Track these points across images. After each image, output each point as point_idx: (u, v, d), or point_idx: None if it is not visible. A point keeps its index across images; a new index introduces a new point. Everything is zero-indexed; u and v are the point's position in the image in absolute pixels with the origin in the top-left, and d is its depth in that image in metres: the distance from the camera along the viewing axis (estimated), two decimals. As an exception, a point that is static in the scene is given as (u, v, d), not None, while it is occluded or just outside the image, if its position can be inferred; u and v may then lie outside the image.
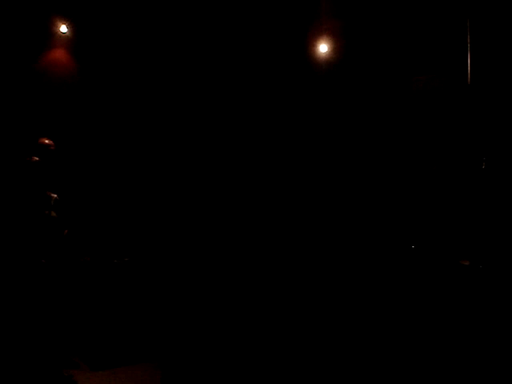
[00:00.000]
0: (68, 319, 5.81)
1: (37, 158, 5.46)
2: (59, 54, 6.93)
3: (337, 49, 7.26)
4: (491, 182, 5.82)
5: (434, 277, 5.75)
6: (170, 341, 5.92)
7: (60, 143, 6.00)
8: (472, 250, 5.76)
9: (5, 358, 4.80)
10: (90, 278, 6.06)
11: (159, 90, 7.45)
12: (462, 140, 6.29)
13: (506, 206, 5.67)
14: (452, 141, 6.40)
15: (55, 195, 5.72)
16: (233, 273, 6.62)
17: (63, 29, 6.87)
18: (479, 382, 4.67)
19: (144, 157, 7.32)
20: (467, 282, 5.47)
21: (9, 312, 4.96)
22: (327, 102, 7.38)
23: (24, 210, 5.24)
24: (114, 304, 6.03)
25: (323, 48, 7.19)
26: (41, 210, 5.45)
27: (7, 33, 6.53)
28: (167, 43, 7.41)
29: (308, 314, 6.09)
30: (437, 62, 6.75)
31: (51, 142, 5.76)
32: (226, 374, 5.15)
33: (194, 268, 6.65)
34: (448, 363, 4.94)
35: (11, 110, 6.54)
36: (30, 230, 5.22)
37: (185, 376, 5.22)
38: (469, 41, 6.43)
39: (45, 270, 5.28)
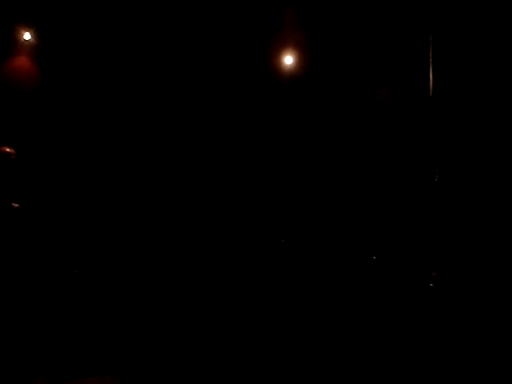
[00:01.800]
0: (28, 331, 5.70)
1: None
2: (22, 62, 6.84)
3: (302, 61, 7.33)
4: (443, 194, 5.93)
5: (396, 288, 5.79)
6: (132, 351, 5.85)
7: (22, 151, 5.90)
8: (435, 261, 5.82)
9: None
10: (50, 288, 5.96)
11: (122, 96, 7.40)
12: (421, 152, 6.38)
13: (456, 218, 5.78)
14: (412, 153, 6.49)
15: (17, 205, 5.61)
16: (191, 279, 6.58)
17: (27, 36, 6.80)
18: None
19: (107, 165, 7.25)
20: (431, 294, 5.51)
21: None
22: (291, 113, 7.43)
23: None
24: (75, 315, 5.93)
25: (288, 60, 7.26)
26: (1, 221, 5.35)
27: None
28: (130, 51, 7.38)
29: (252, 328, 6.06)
30: (400, 76, 6.86)
31: (12, 151, 5.65)
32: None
33: (154, 278, 6.60)
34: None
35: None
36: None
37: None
38: (431, 55, 6.55)
39: (4, 280, 5.18)
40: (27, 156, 6.47)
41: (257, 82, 7.50)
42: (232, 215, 7.32)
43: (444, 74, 6.47)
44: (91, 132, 7.24)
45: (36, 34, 6.93)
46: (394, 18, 6.89)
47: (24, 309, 5.55)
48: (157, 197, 7.35)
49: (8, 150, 5.63)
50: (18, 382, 5.16)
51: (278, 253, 6.90)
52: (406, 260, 6.05)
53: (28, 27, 6.81)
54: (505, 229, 5.60)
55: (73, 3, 7.08)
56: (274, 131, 7.53)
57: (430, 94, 6.44)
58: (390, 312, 5.57)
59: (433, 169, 6.04)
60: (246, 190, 7.44)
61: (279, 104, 7.51)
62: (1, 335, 5.08)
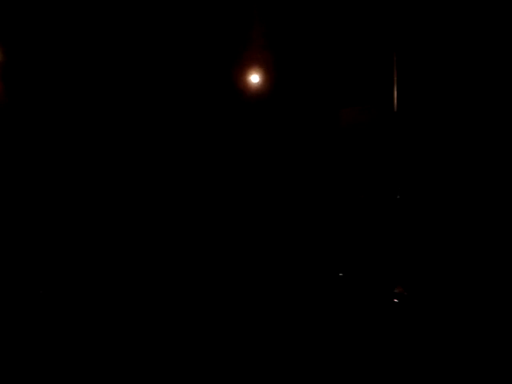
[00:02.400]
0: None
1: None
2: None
3: (268, 80, 7.31)
4: (406, 212, 5.90)
5: (362, 305, 5.64)
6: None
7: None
8: (400, 277, 5.72)
9: None
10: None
11: (85, 111, 7.30)
12: (386, 168, 6.34)
13: (419, 234, 5.73)
14: (378, 169, 6.45)
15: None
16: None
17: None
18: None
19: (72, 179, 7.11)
20: (398, 310, 5.40)
21: None
22: (257, 131, 7.38)
23: None
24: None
25: (255, 78, 7.24)
26: None
27: None
28: (91, 68, 7.32)
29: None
30: (365, 94, 6.87)
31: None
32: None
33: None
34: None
35: None
36: None
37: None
38: (395, 74, 6.58)
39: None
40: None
41: (222, 100, 7.45)
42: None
43: (408, 91, 6.50)
44: (52, 144, 7.13)
45: (1, 51, 6.88)
46: (359, 38, 6.96)
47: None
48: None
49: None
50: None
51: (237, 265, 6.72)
52: (371, 276, 5.92)
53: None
54: (467, 245, 5.55)
55: (35, 22, 7.07)
56: (240, 150, 7.45)
57: (394, 110, 6.44)
58: (355, 327, 5.39)
59: (396, 185, 6.03)
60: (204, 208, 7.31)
61: (245, 123, 7.46)
62: None
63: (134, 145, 7.36)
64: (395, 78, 6.58)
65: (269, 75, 7.24)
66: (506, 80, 5.77)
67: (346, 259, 6.21)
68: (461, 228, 5.63)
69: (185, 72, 7.41)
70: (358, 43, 6.96)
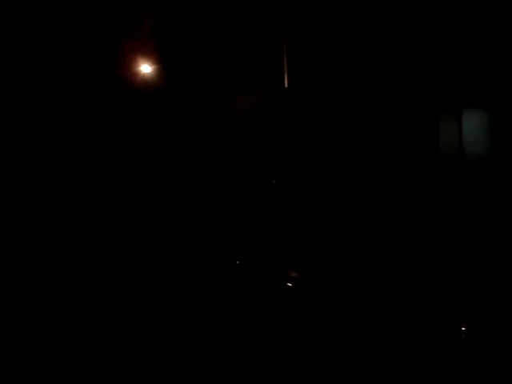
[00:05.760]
0: None
1: None
2: None
3: (160, 70, 7.17)
4: (282, 196, 5.99)
5: (260, 291, 5.66)
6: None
7: None
8: (297, 262, 5.77)
9: None
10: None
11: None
12: (276, 156, 6.39)
13: (312, 218, 5.82)
14: (268, 156, 6.49)
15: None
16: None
17: None
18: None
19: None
20: (293, 294, 5.44)
21: None
22: (151, 123, 7.23)
23: None
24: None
25: (146, 68, 7.07)
26: None
27: None
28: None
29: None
30: (257, 83, 6.91)
31: None
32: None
33: None
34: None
35: None
36: None
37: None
38: (285, 62, 6.66)
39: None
40: None
41: (109, 92, 7.17)
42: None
43: (298, 79, 6.60)
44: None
45: None
46: (249, 27, 6.98)
47: None
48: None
49: None
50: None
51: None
52: (268, 262, 5.94)
53: None
54: (357, 231, 5.68)
55: None
56: (132, 143, 7.27)
57: (284, 99, 6.52)
58: (252, 314, 5.40)
59: (272, 172, 6.11)
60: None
61: (136, 114, 7.27)
62: None
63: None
64: (285, 67, 6.67)
65: (159, 65, 7.09)
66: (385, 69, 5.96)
67: (243, 247, 6.20)
68: (338, 214, 5.78)
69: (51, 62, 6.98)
70: (248, 33, 6.98)
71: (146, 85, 7.15)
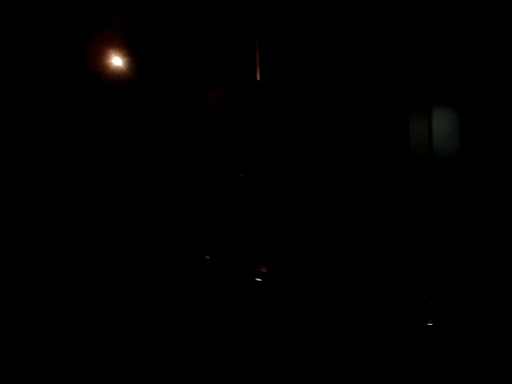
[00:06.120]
0: None
1: None
2: None
3: (132, 63, 7.07)
4: (249, 191, 5.99)
5: (227, 284, 5.65)
6: None
7: None
8: (266, 257, 5.77)
9: None
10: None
11: None
12: (253, 149, 6.37)
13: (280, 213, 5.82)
14: (237, 150, 6.47)
15: None
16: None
17: None
18: None
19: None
20: (262, 289, 5.44)
21: None
22: (119, 116, 7.13)
23: None
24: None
25: (117, 61, 6.97)
26: None
27: None
28: None
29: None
30: (230, 78, 6.86)
31: None
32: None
33: None
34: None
35: None
36: None
37: None
38: (258, 57, 6.63)
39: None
40: None
41: (78, 85, 7.04)
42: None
43: (270, 73, 6.58)
44: None
45: None
46: (222, 21, 6.94)
47: None
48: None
49: None
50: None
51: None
52: (238, 257, 5.93)
53: None
54: (325, 227, 5.69)
55: None
56: (103, 136, 7.17)
57: (257, 94, 6.50)
58: (221, 308, 5.39)
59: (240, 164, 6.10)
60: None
61: (107, 107, 7.17)
62: None
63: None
64: (257, 62, 6.65)
65: (130, 58, 6.99)
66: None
67: (213, 242, 6.18)
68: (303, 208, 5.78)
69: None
70: (221, 27, 6.93)
71: (117, 78, 7.05)
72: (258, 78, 6.61)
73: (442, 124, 5.84)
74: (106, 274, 6.14)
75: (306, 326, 4.85)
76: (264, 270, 5.67)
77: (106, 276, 6.11)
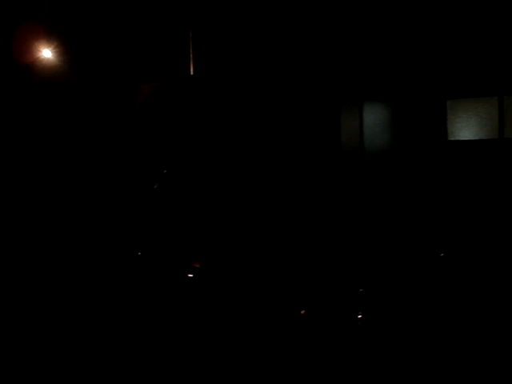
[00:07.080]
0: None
1: None
2: None
3: (63, 54, 6.88)
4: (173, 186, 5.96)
5: (159, 280, 5.63)
6: None
7: None
8: (198, 253, 5.77)
9: None
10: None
11: None
12: (185, 144, 6.35)
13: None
14: (163, 145, 6.44)
15: None
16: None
17: None
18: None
19: None
20: (194, 284, 5.44)
21: None
22: (47, 110, 6.95)
23: None
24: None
25: (47, 53, 6.76)
26: None
27: None
28: None
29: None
30: (163, 71, 6.79)
31: None
32: None
33: None
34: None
35: None
36: None
37: None
38: (191, 50, 6.59)
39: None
40: None
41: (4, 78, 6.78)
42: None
43: (204, 67, 6.56)
44: None
45: None
46: (156, 14, 6.86)
47: None
48: None
49: None
50: None
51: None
52: (171, 254, 5.91)
53: None
54: (255, 223, 5.72)
55: None
56: (31, 130, 6.99)
57: (190, 87, 6.47)
58: (154, 303, 5.37)
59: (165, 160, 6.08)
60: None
61: (35, 101, 6.97)
62: None
63: None
64: (191, 55, 6.60)
65: (62, 49, 6.80)
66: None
67: (145, 239, 6.13)
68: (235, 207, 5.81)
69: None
70: (156, 20, 6.84)
71: (47, 70, 6.86)
72: (192, 73, 6.58)
73: (373, 119, 5.96)
74: (29, 271, 6.02)
75: (232, 318, 4.86)
76: (197, 265, 5.67)
77: (30, 274, 5.99)
